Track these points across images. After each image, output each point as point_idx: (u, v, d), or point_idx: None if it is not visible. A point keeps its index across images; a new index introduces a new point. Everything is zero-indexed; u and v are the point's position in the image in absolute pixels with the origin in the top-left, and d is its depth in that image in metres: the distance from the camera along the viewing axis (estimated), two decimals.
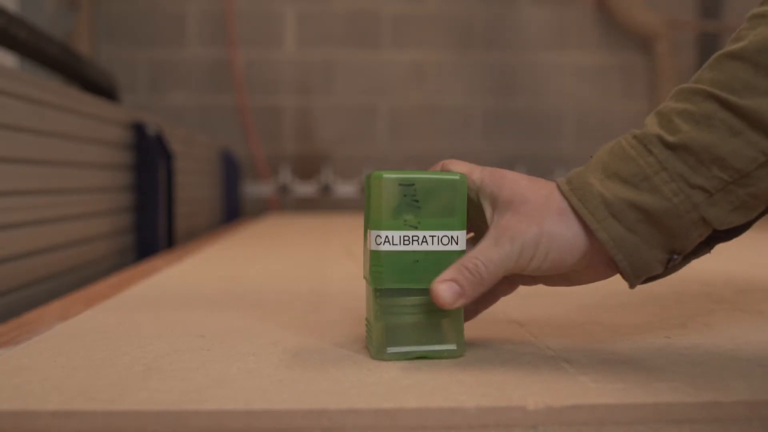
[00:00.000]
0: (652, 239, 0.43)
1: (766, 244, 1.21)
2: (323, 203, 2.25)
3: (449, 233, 0.43)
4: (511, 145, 2.33)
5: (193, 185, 1.60)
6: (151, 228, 1.19)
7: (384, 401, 0.36)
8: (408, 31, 2.30)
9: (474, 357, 0.45)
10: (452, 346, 0.44)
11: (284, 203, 2.30)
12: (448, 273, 0.44)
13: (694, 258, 0.46)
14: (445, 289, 0.43)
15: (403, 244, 0.43)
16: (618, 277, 0.44)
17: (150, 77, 2.27)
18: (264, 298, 0.68)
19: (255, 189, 2.21)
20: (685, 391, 0.38)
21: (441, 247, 0.43)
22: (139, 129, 1.18)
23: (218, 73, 2.29)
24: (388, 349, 0.44)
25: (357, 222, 1.78)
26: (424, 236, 0.43)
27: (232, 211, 2.03)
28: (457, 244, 0.44)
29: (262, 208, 2.28)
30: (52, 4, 1.91)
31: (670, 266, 0.45)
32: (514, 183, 0.45)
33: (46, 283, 0.84)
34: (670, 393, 0.38)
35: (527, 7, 2.32)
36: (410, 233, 0.43)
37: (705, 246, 0.46)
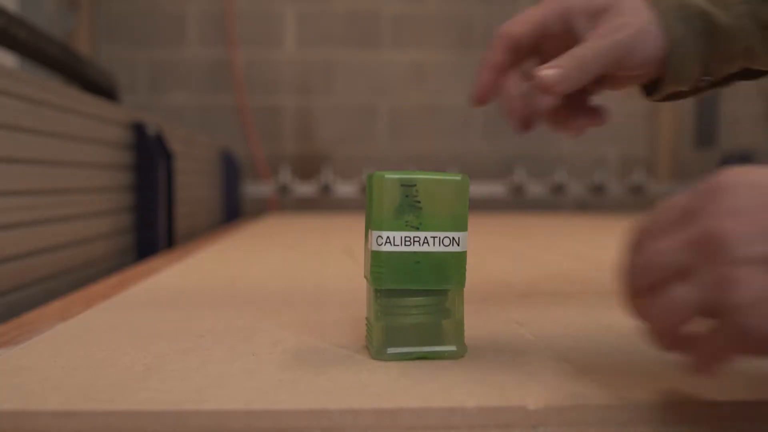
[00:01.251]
0: (700, 52, 0.48)
1: None
2: (323, 203, 2.25)
3: (451, 234, 0.43)
4: (511, 145, 2.33)
5: (193, 185, 1.60)
6: (151, 228, 1.19)
7: (384, 401, 0.36)
8: (408, 31, 2.30)
9: (474, 357, 0.45)
10: (452, 347, 0.44)
11: (284, 203, 2.30)
12: (553, 61, 0.46)
13: (716, 87, 0.51)
14: (548, 73, 0.45)
15: (405, 245, 0.43)
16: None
17: (150, 77, 2.27)
18: (264, 298, 0.68)
19: (255, 189, 2.21)
20: (684, 391, 0.38)
21: (442, 249, 0.43)
22: (139, 129, 1.18)
23: (218, 73, 2.29)
24: (388, 349, 0.44)
25: (357, 222, 1.78)
26: (426, 237, 0.43)
27: (232, 211, 2.03)
28: (458, 245, 0.44)
29: (262, 208, 2.28)
30: (52, 4, 1.91)
31: (696, 89, 0.50)
32: None
33: (46, 283, 0.84)
34: (670, 393, 0.38)
35: (527, 8, 2.32)
36: (411, 234, 0.43)
37: (728, 81, 0.51)
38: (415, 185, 0.43)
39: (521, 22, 0.50)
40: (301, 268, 0.91)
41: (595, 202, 2.36)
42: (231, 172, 2.04)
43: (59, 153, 0.89)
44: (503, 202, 2.29)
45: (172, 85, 2.28)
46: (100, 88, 1.27)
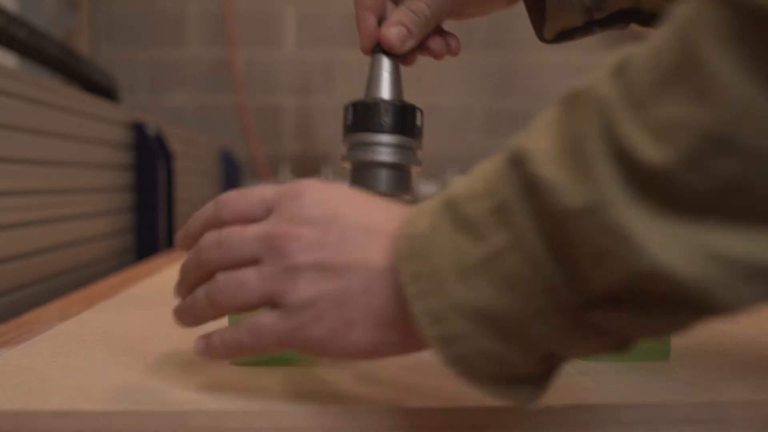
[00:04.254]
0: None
1: None
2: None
3: None
4: None
5: (193, 185, 1.60)
6: (151, 228, 1.19)
7: (383, 401, 0.36)
8: None
9: None
10: None
11: None
12: (395, 16, 0.48)
13: (610, 27, 0.51)
14: (394, 32, 0.47)
15: None
16: None
17: (150, 77, 2.27)
18: None
19: None
20: (685, 391, 0.38)
21: None
22: (139, 129, 1.18)
23: (218, 73, 2.29)
24: None
25: None
26: None
27: None
28: None
29: None
30: (52, 4, 1.91)
31: (592, 18, 0.49)
32: None
33: (46, 283, 0.84)
34: (670, 393, 0.38)
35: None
36: None
37: (621, 20, 0.50)
38: None
39: None
40: None
41: None
42: (231, 172, 2.04)
43: (59, 153, 0.89)
44: None
45: (172, 85, 2.28)
46: (100, 88, 1.27)
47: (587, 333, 0.28)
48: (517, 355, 0.29)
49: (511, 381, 0.30)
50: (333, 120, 2.32)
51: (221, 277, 0.35)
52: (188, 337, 0.51)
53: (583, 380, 0.40)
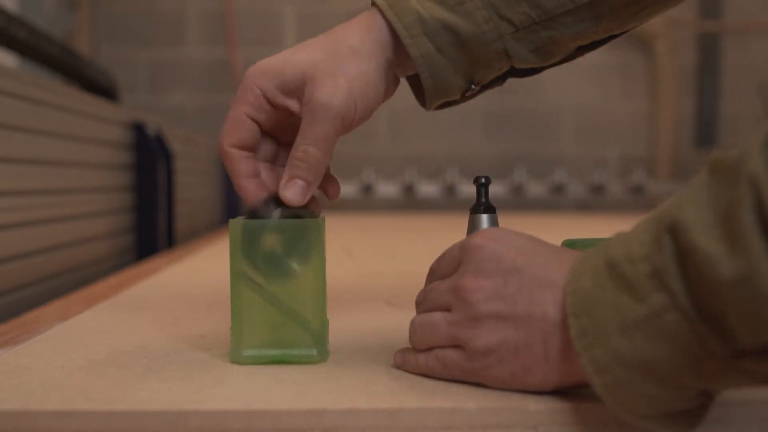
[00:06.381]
0: (458, 64, 0.47)
1: None
2: (323, 203, 2.25)
3: None
4: (511, 144, 2.33)
5: (193, 185, 1.60)
6: (151, 228, 1.19)
7: (384, 401, 0.36)
8: None
9: None
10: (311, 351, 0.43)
11: None
12: (286, 173, 0.45)
13: (488, 89, 0.51)
14: (291, 192, 0.45)
15: None
16: None
17: (150, 77, 2.27)
18: None
19: None
20: None
21: None
22: (139, 129, 1.18)
23: (218, 73, 2.29)
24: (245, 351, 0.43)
25: (357, 222, 1.78)
26: None
27: (232, 211, 2.03)
28: None
29: None
30: (52, 4, 1.91)
31: (468, 95, 0.49)
32: (294, 64, 0.44)
33: (46, 283, 0.84)
34: None
35: None
36: None
37: (499, 80, 0.50)
38: None
39: (233, 132, 0.45)
40: None
41: (595, 202, 2.36)
42: None
43: (59, 153, 0.89)
44: (503, 202, 2.29)
45: (172, 85, 2.28)
46: (100, 88, 1.27)
47: (738, 375, 0.31)
48: (674, 396, 0.32)
49: (670, 416, 0.33)
50: None
51: (417, 320, 0.41)
52: (188, 338, 0.51)
53: None
